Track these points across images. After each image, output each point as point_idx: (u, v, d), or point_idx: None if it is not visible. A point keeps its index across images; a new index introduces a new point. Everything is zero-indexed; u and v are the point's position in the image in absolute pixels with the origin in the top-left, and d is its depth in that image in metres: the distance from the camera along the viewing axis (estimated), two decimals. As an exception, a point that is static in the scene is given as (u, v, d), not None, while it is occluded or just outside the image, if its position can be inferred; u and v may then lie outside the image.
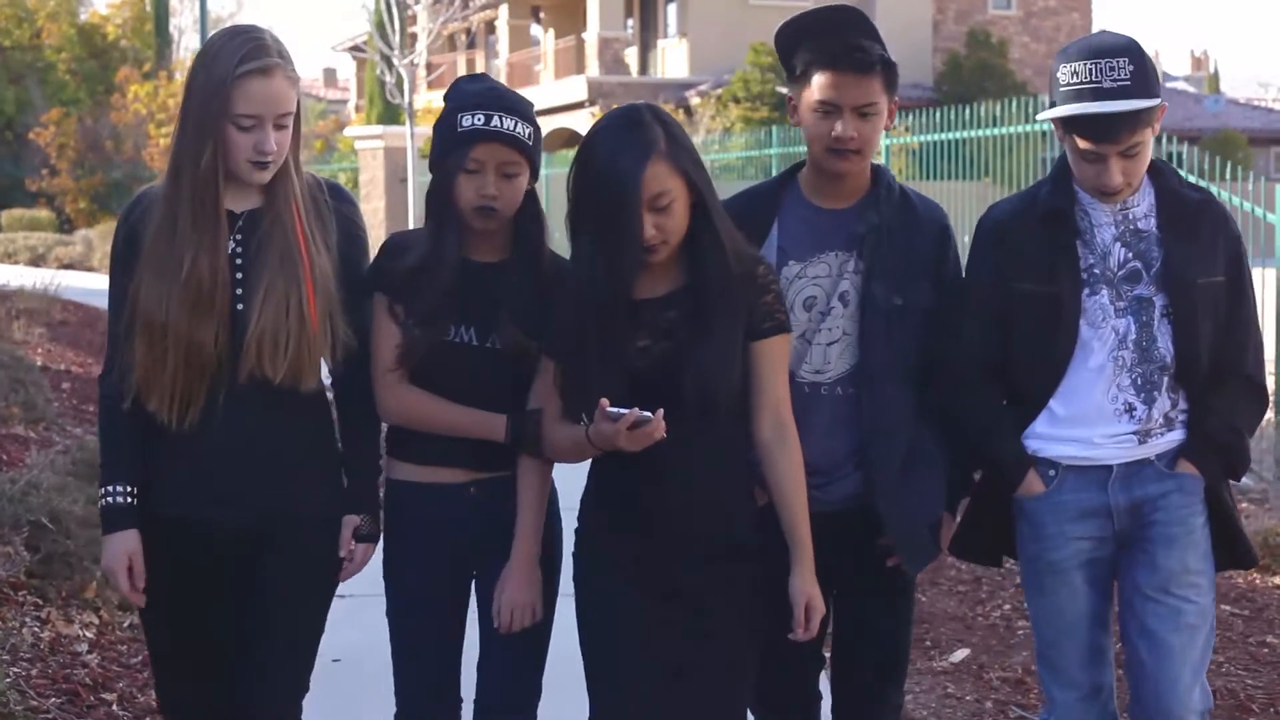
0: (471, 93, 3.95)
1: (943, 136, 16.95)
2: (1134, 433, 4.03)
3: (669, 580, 3.73)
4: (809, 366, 4.06)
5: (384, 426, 4.05)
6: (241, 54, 3.74)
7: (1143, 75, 3.90)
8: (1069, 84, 3.94)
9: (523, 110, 3.94)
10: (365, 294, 3.96)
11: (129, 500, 3.87)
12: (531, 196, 3.99)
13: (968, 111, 16.90)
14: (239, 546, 3.87)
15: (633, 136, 3.68)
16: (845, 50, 3.99)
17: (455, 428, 3.94)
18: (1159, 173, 4.13)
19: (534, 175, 3.98)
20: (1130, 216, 4.06)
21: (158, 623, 4.03)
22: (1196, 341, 4.02)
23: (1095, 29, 42.01)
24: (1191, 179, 3.99)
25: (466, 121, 3.88)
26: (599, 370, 3.67)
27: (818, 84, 4.02)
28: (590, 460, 3.83)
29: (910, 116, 17.58)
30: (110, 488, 3.88)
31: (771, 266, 3.90)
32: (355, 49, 51.42)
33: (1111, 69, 3.89)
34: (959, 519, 4.31)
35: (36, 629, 6.38)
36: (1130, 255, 4.04)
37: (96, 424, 3.98)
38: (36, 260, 33.04)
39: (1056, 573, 4.10)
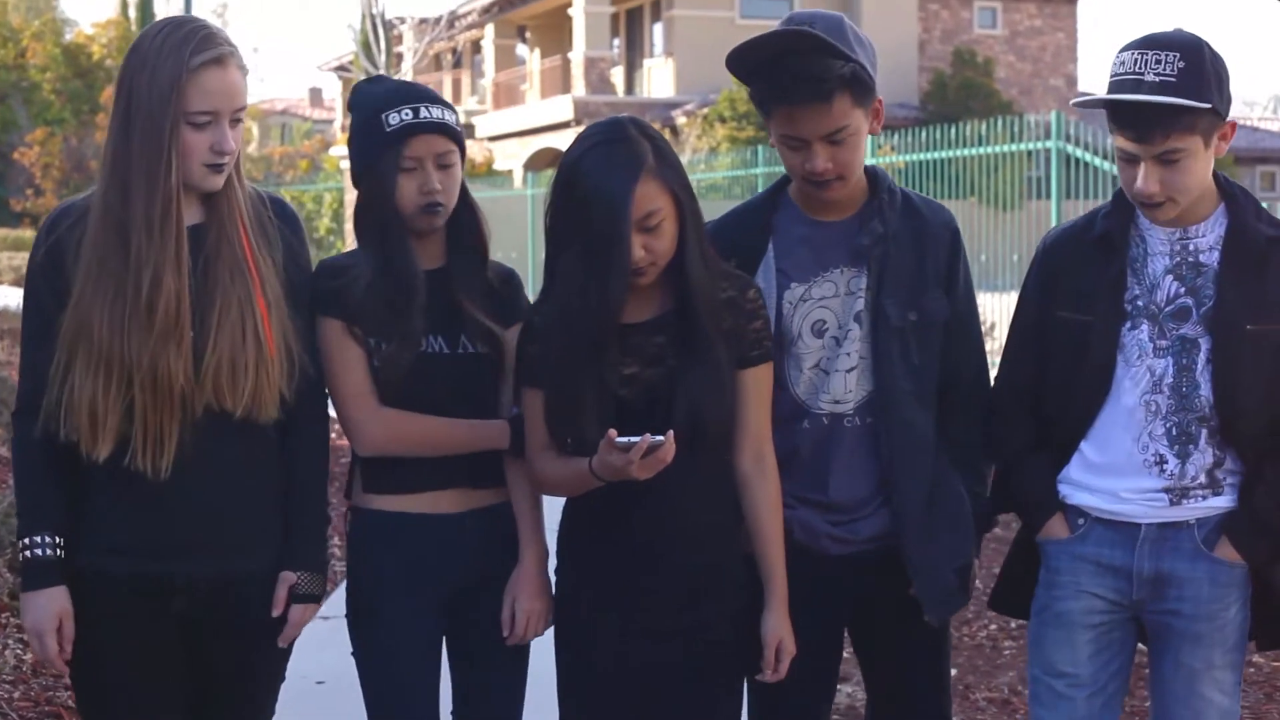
0: (385, 92, 3.78)
1: (928, 156, 16.96)
2: (1164, 490, 3.68)
3: (656, 613, 3.60)
4: (828, 396, 3.75)
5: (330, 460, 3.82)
6: (193, 45, 3.41)
7: (1194, 75, 3.51)
8: (1115, 74, 3.58)
9: (441, 98, 3.82)
10: (313, 319, 3.70)
11: (55, 553, 3.47)
12: (462, 188, 3.85)
13: (953, 131, 16.92)
14: (192, 604, 3.55)
15: (621, 153, 3.49)
16: (796, 81, 3.59)
17: (454, 443, 3.77)
18: (1236, 202, 3.71)
19: (463, 164, 3.85)
20: (1192, 248, 3.68)
21: (96, 695, 3.60)
22: (1237, 394, 3.62)
23: (1080, 49, 42.04)
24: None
25: (394, 119, 3.72)
26: (589, 399, 3.50)
27: (777, 118, 3.67)
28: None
29: (896, 136, 17.59)
30: (34, 539, 3.47)
31: (760, 290, 3.66)
32: (341, 68, 51.39)
33: (1158, 61, 3.52)
34: (999, 571, 4.06)
35: (19, 651, 6.35)
36: (1181, 290, 3.66)
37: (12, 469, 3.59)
38: (20, 281, 32.96)
39: (1060, 625, 3.77)
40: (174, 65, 3.39)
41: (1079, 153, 14.93)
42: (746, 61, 3.69)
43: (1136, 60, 3.55)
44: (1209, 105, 3.53)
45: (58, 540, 3.48)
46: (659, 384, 3.54)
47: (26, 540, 3.48)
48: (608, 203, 3.45)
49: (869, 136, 3.77)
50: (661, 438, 3.31)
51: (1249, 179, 40.86)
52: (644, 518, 3.56)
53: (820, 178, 3.66)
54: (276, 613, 3.63)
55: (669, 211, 3.52)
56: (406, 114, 3.73)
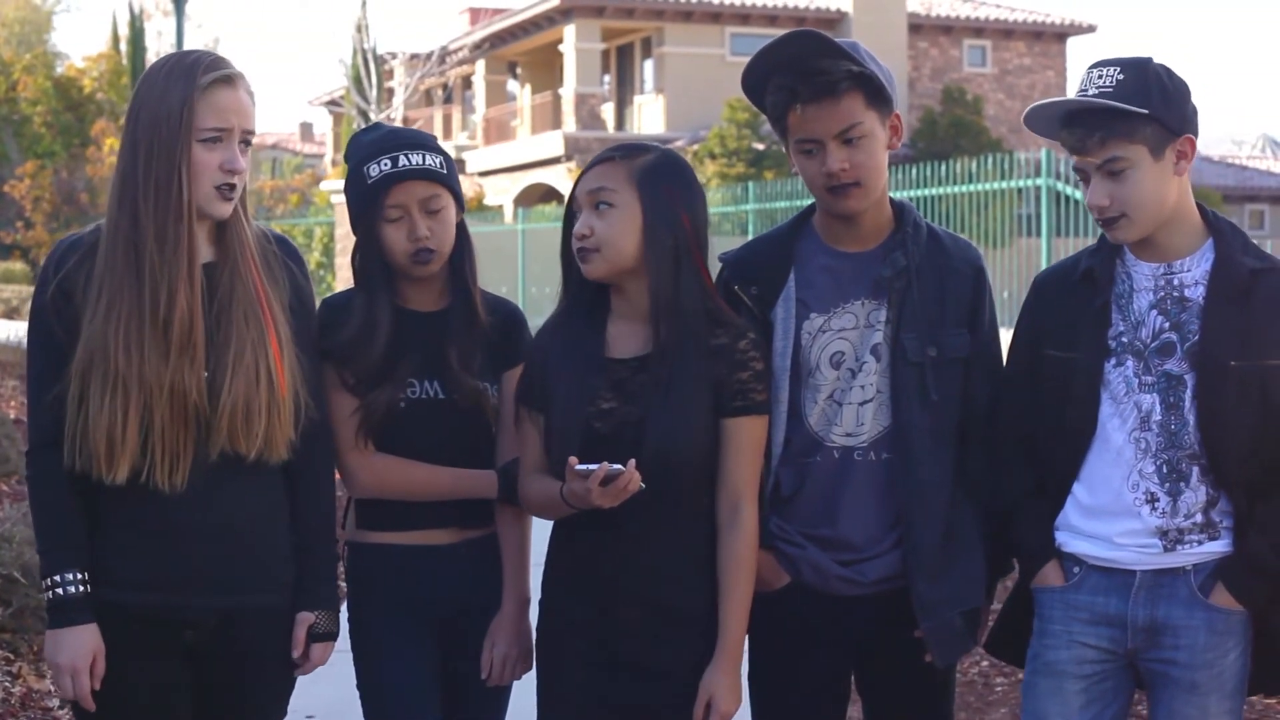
0: (370, 142, 3.83)
1: (919, 193, 17.00)
2: (1158, 532, 3.59)
3: (625, 649, 3.60)
4: (840, 430, 3.69)
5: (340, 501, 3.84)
6: (203, 65, 3.45)
7: (1132, 85, 3.53)
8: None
9: (427, 143, 3.83)
10: (318, 358, 3.73)
11: (82, 589, 3.45)
12: (461, 231, 3.88)
13: (943, 168, 16.98)
14: (201, 636, 3.55)
15: (616, 146, 3.64)
16: (803, 79, 3.60)
17: (441, 491, 3.81)
18: (1223, 237, 3.66)
19: (460, 206, 3.87)
20: (1177, 282, 3.63)
21: None
22: (1224, 432, 3.55)
23: (1070, 87, 42.29)
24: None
25: (374, 170, 3.76)
26: (559, 428, 3.56)
27: (791, 123, 3.65)
28: (552, 524, 3.70)
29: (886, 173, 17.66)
30: (60, 576, 3.44)
31: (759, 342, 3.62)
32: (332, 103, 51.49)
33: (1100, 76, 3.55)
34: (997, 615, 3.95)
35: (8, 684, 6.33)
36: (1166, 325, 3.61)
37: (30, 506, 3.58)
38: (10, 313, 32.98)
39: (1051, 675, 3.69)
40: (184, 84, 3.43)
41: (1069, 190, 14.98)
42: (758, 71, 3.69)
43: (1084, 78, 3.58)
44: (1144, 111, 3.51)
45: (84, 576, 3.46)
46: (632, 422, 3.55)
47: (56, 578, 3.46)
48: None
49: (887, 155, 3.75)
50: (620, 467, 3.34)
51: (1238, 217, 40.99)
52: (614, 553, 3.58)
53: (837, 180, 3.63)
54: (297, 654, 3.65)
55: (626, 208, 3.56)
56: (385, 164, 3.76)
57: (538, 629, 3.76)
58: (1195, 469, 3.59)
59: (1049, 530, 3.73)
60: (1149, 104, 3.52)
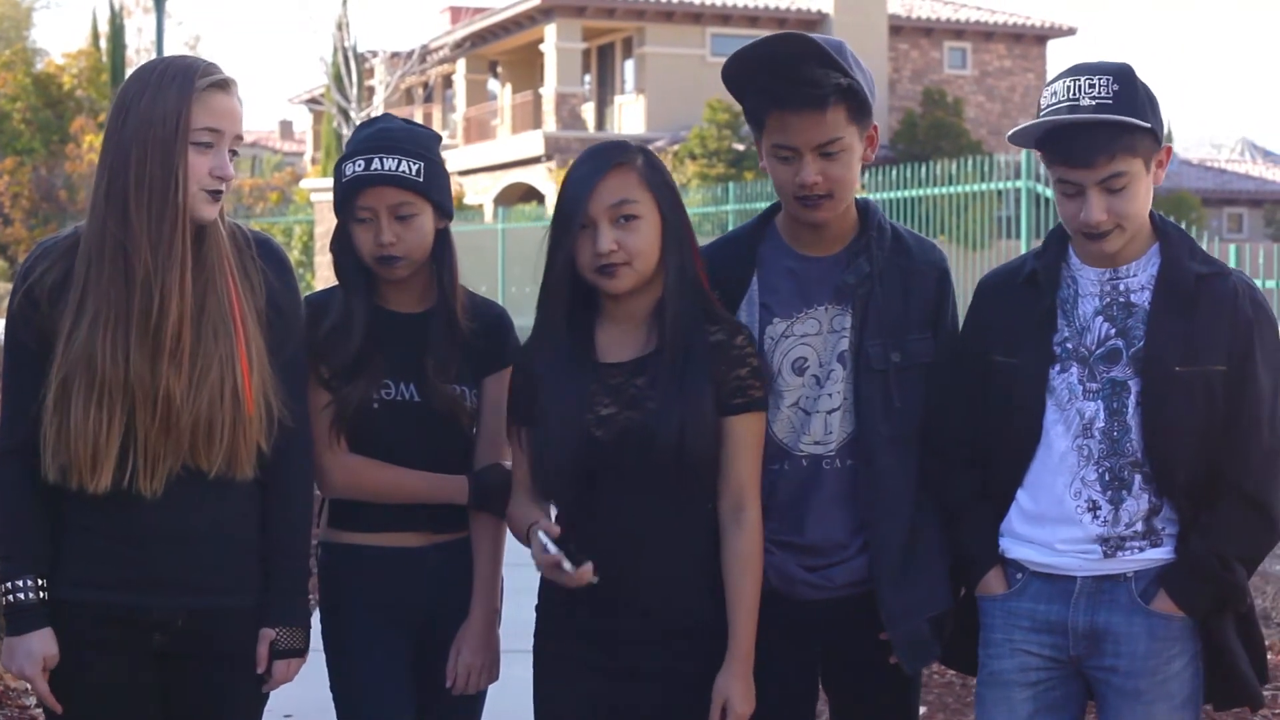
0: (360, 139, 3.80)
1: (898, 194, 17.01)
2: (1099, 539, 3.53)
3: (626, 657, 3.55)
4: (809, 438, 3.65)
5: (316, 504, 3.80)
6: (199, 70, 3.41)
7: (1129, 97, 3.44)
8: (1048, 105, 3.49)
9: (410, 147, 3.75)
10: (298, 365, 3.66)
11: (39, 596, 3.41)
12: (443, 237, 3.84)
13: (923, 170, 16.99)
14: (169, 638, 3.50)
15: (605, 147, 3.55)
16: (792, 86, 3.52)
17: (412, 494, 3.79)
18: (1169, 240, 3.59)
19: (442, 214, 3.82)
20: (1123, 288, 3.56)
21: None
22: (1167, 438, 3.49)
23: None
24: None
25: (349, 170, 3.73)
26: (555, 437, 3.48)
27: (770, 127, 3.58)
28: None
29: (866, 174, 17.65)
30: (16, 582, 3.41)
31: (752, 337, 3.59)
32: (312, 101, 51.37)
33: (1091, 86, 3.44)
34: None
35: (-19, 685, 6.30)
36: (1112, 331, 3.54)
37: None
38: (-11, 310, 32.86)
39: (996, 685, 3.64)
40: (181, 87, 3.39)
41: (1049, 192, 14.99)
42: (744, 66, 3.63)
43: (1069, 88, 3.48)
44: (1148, 125, 3.46)
45: (39, 583, 3.43)
46: (634, 428, 3.49)
47: (9, 585, 3.43)
48: (573, 182, 3.50)
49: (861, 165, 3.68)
50: (570, 567, 3.34)
51: (1217, 220, 41.13)
52: (615, 560, 3.49)
53: (810, 191, 3.57)
54: (260, 669, 3.58)
55: (649, 213, 3.50)
56: (359, 165, 3.72)
57: (535, 634, 3.71)
58: (1138, 477, 3.53)
59: (992, 536, 3.68)
60: (1148, 117, 3.47)
